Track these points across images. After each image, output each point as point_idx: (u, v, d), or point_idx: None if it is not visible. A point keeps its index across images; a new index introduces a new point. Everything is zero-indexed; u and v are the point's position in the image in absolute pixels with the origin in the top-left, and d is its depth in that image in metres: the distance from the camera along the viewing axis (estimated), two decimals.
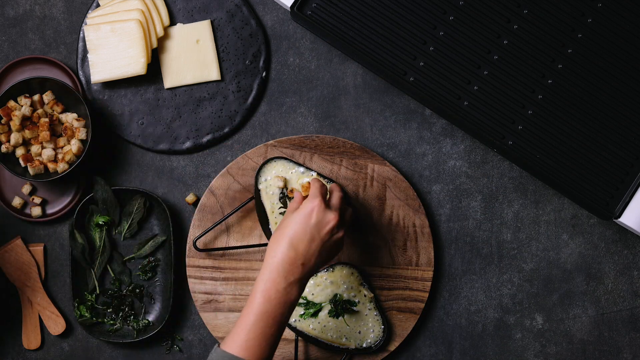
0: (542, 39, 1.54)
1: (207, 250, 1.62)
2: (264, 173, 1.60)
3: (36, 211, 1.63)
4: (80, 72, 1.64)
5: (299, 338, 1.62)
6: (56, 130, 1.61)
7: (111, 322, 1.63)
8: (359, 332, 1.61)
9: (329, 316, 1.60)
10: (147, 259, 1.64)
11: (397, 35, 1.54)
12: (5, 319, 1.65)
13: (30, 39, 1.66)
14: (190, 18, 1.65)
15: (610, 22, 1.54)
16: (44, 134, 1.59)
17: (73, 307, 1.62)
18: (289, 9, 1.54)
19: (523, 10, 1.54)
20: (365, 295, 1.61)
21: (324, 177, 1.61)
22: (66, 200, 1.64)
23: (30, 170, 1.59)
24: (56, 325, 1.65)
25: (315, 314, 1.60)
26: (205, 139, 1.65)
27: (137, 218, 1.63)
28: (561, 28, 1.54)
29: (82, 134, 1.59)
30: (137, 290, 1.64)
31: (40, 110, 1.61)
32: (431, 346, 1.66)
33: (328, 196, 1.48)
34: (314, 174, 1.60)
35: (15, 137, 1.59)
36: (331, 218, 1.41)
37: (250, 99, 1.65)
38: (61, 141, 1.60)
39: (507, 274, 1.66)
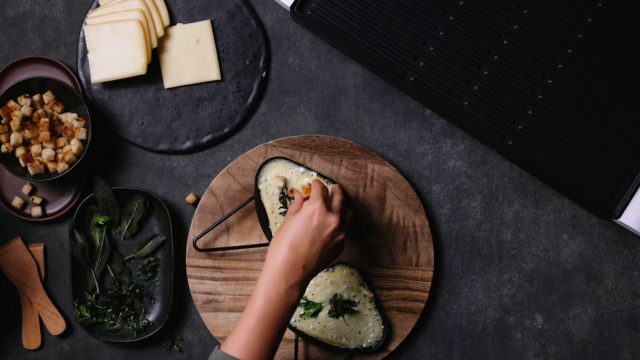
0: (542, 39, 1.54)
1: (207, 250, 1.62)
2: (264, 173, 1.60)
3: (36, 211, 1.63)
4: (80, 72, 1.64)
5: (299, 338, 1.62)
6: (56, 130, 1.61)
7: (111, 322, 1.63)
8: (359, 332, 1.61)
9: (329, 316, 1.60)
10: (147, 259, 1.64)
11: (397, 35, 1.54)
12: (5, 319, 1.65)
13: (30, 39, 1.66)
14: (190, 18, 1.65)
15: (610, 22, 1.54)
16: (44, 134, 1.59)
17: (73, 307, 1.62)
18: (289, 9, 1.54)
19: (523, 10, 1.54)
20: (365, 295, 1.61)
21: (324, 177, 1.61)
22: (66, 200, 1.64)
23: (30, 170, 1.59)
24: (56, 325, 1.65)
25: (315, 314, 1.60)
26: (205, 139, 1.65)
27: (137, 218, 1.63)
28: (561, 28, 1.54)
29: (82, 134, 1.59)
30: (137, 290, 1.64)
31: (40, 110, 1.61)
32: (431, 346, 1.66)
33: (329, 198, 1.48)
34: (314, 174, 1.60)
35: (15, 137, 1.59)
36: (332, 221, 1.41)
37: (250, 99, 1.65)
38: (61, 141, 1.60)
39: (507, 274, 1.66)
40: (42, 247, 1.65)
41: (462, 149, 1.66)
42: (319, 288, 1.60)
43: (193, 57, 1.64)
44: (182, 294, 1.65)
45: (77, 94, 1.58)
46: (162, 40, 1.64)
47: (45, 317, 1.64)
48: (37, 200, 1.63)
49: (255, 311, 1.36)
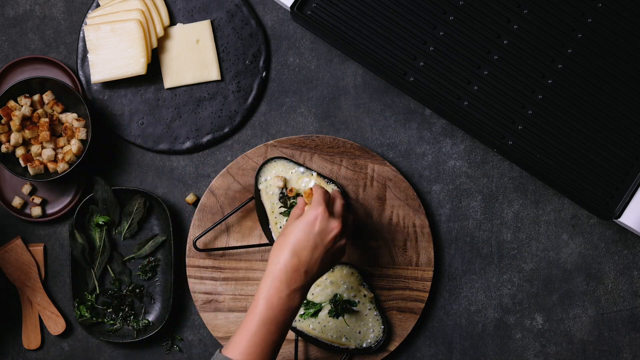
0: (542, 39, 1.54)
1: (207, 250, 1.62)
2: (264, 173, 1.60)
3: (36, 211, 1.63)
4: (80, 72, 1.64)
5: (299, 338, 1.62)
6: (56, 130, 1.61)
7: (111, 322, 1.63)
8: (359, 332, 1.61)
9: (329, 316, 1.60)
10: (147, 259, 1.64)
11: (397, 35, 1.54)
12: (5, 319, 1.65)
13: (30, 39, 1.66)
14: (190, 18, 1.65)
15: (610, 22, 1.54)
16: (44, 134, 1.59)
17: (73, 307, 1.62)
18: (289, 9, 1.54)
19: (523, 10, 1.54)
20: (365, 295, 1.61)
21: (324, 177, 1.61)
22: (66, 200, 1.64)
23: (30, 170, 1.59)
24: (56, 325, 1.65)
25: (315, 314, 1.60)
26: (205, 139, 1.65)
27: (137, 218, 1.63)
28: (561, 28, 1.54)
29: (82, 134, 1.59)
30: (137, 290, 1.64)
31: (40, 110, 1.61)
32: (431, 346, 1.66)
33: (331, 203, 1.48)
34: (314, 174, 1.60)
35: (15, 137, 1.59)
36: (334, 226, 1.41)
37: (250, 99, 1.65)
38: (61, 141, 1.60)
39: (507, 274, 1.66)
40: (42, 247, 1.65)
41: (462, 149, 1.66)
42: (319, 288, 1.60)
43: (193, 57, 1.64)
44: (182, 294, 1.65)
45: (77, 94, 1.58)
46: (162, 40, 1.64)
47: (45, 317, 1.64)
48: (37, 200, 1.63)
49: (257, 316, 1.36)
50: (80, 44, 1.64)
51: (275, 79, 1.66)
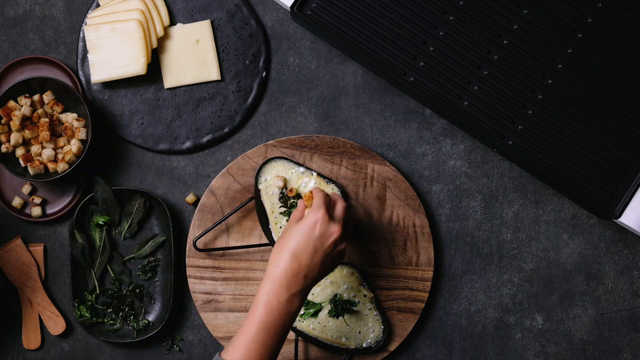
0: (542, 39, 1.54)
1: (207, 250, 1.62)
2: (264, 173, 1.60)
3: (36, 211, 1.63)
4: (80, 72, 1.64)
5: (299, 338, 1.62)
6: (56, 130, 1.61)
7: (111, 322, 1.63)
8: (359, 332, 1.61)
9: (329, 316, 1.60)
10: (147, 259, 1.64)
11: (397, 35, 1.54)
12: (5, 319, 1.65)
13: (30, 39, 1.66)
14: (190, 18, 1.65)
15: (610, 22, 1.54)
16: (44, 134, 1.59)
17: (73, 307, 1.62)
18: (289, 9, 1.54)
19: (523, 10, 1.54)
20: (365, 295, 1.61)
21: (324, 177, 1.61)
22: (66, 200, 1.64)
23: (30, 170, 1.59)
24: (56, 325, 1.65)
25: (315, 314, 1.60)
26: (205, 139, 1.65)
27: (137, 218, 1.63)
28: (561, 28, 1.54)
29: (82, 134, 1.59)
30: (137, 290, 1.64)
31: (40, 110, 1.61)
32: (431, 346, 1.66)
33: (332, 206, 1.47)
34: (314, 174, 1.60)
35: (15, 137, 1.59)
36: (335, 230, 1.41)
37: (250, 99, 1.65)
38: (61, 141, 1.60)
39: (507, 274, 1.66)
40: (42, 247, 1.65)
41: (462, 149, 1.66)
42: (319, 288, 1.60)
43: (193, 57, 1.64)
44: (182, 294, 1.65)
45: (77, 94, 1.58)
46: (162, 40, 1.64)
47: (45, 317, 1.64)
48: (37, 200, 1.63)
49: (256, 320, 1.36)
50: (80, 44, 1.64)
51: (275, 79, 1.66)
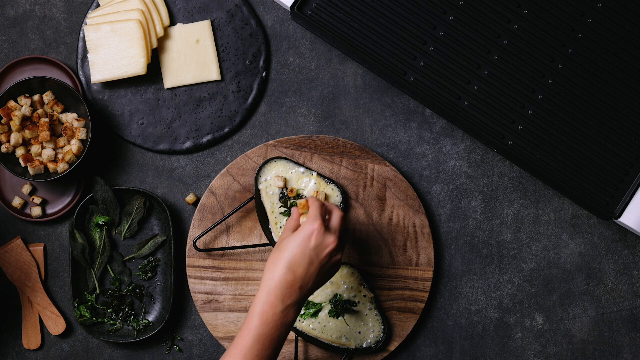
0: (542, 39, 1.54)
1: (207, 250, 1.62)
2: (264, 173, 1.60)
3: (36, 211, 1.63)
4: (80, 72, 1.64)
5: (299, 338, 1.62)
6: (56, 130, 1.61)
7: (111, 322, 1.63)
8: (359, 332, 1.61)
9: (329, 316, 1.60)
10: (147, 259, 1.64)
11: (397, 35, 1.54)
12: (5, 319, 1.65)
13: (30, 39, 1.66)
14: (190, 18, 1.65)
15: (610, 22, 1.54)
16: (44, 134, 1.59)
17: (73, 307, 1.62)
18: (289, 9, 1.54)
19: (523, 10, 1.54)
20: (365, 295, 1.61)
21: (324, 177, 1.61)
22: (66, 200, 1.64)
23: (30, 170, 1.59)
24: (56, 325, 1.65)
25: (315, 314, 1.60)
26: (205, 139, 1.65)
27: (137, 218, 1.63)
28: (561, 28, 1.54)
29: (82, 134, 1.59)
30: (137, 290, 1.64)
31: (40, 110, 1.61)
32: (431, 346, 1.66)
33: (328, 216, 1.47)
34: (314, 174, 1.60)
35: (15, 137, 1.59)
36: (331, 241, 1.40)
37: (250, 99, 1.65)
38: (61, 141, 1.60)
39: (507, 274, 1.66)
40: (42, 247, 1.65)
41: (462, 149, 1.66)
42: (319, 288, 1.60)
43: (193, 57, 1.64)
44: (182, 294, 1.65)
45: (77, 94, 1.58)
46: (162, 40, 1.64)
47: (45, 317, 1.64)
48: (37, 200, 1.63)
49: (251, 331, 1.36)
50: (80, 44, 1.64)
51: (275, 79, 1.66)
